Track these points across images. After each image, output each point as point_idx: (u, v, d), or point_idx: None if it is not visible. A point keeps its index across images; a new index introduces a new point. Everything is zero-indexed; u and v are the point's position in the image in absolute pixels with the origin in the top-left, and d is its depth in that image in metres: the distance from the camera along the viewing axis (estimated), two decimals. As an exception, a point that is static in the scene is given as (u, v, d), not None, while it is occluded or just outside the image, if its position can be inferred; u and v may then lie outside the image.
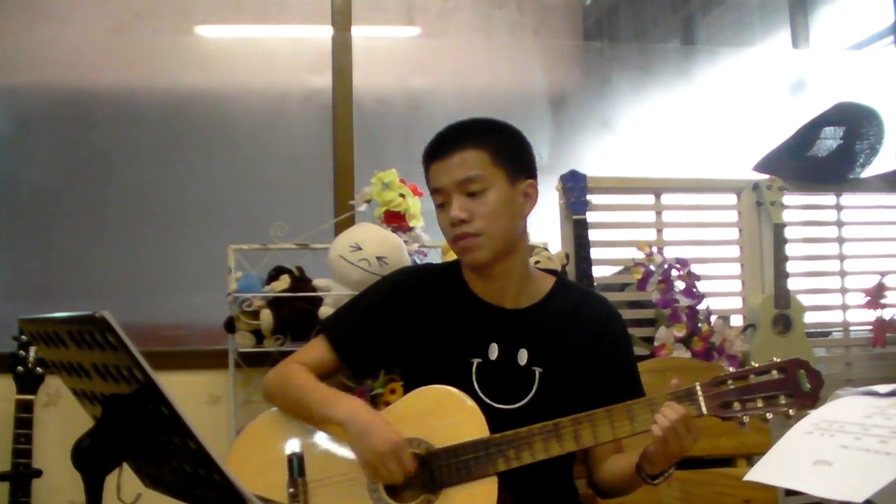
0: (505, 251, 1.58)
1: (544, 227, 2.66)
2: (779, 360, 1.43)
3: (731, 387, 1.42)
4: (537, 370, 1.58)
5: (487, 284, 1.62)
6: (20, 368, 2.27)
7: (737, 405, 1.41)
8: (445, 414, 1.51)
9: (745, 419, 1.41)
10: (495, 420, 1.49)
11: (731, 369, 1.48)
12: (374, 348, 1.67)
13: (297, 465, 1.49)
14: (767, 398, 1.41)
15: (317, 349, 1.68)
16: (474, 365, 1.58)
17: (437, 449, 1.49)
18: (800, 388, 1.40)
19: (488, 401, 1.55)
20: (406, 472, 1.45)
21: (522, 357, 1.59)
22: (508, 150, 1.59)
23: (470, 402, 1.50)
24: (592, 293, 1.74)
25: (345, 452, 1.53)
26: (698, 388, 1.43)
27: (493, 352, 1.59)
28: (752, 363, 1.45)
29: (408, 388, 1.63)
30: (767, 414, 1.40)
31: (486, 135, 1.59)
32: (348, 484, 1.51)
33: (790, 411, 1.40)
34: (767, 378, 1.42)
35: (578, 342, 1.60)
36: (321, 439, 1.56)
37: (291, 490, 1.48)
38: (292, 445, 1.54)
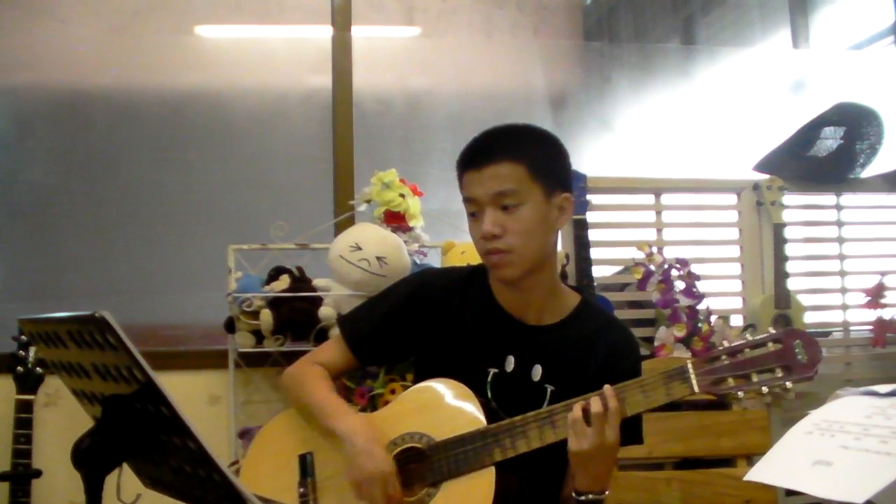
0: (535, 267, 1.54)
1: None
2: (774, 330, 1.40)
3: (725, 362, 1.38)
4: (549, 387, 1.57)
5: (513, 296, 1.61)
6: (20, 368, 2.27)
7: (731, 381, 1.37)
8: (444, 407, 1.52)
9: (740, 394, 1.38)
10: None
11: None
12: (390, 349, 1.69)
13: (307, 465, 1.51)
14: (762, 372, 1.37)
15: (333, 348, 1.70)
16: (490, 374, 1.58)
17: (436, 442, 1.49)
18: (796, 360, 1.36)
19: (500, 412, 1.55)
20: (390, 502, 1.45)
21: (536, 373, 1.58)
22: (547, 164, 1.53)
23: (467, 393, 1.51)
24: (614, 321, 1.70)
25: None
26: (689, 365, 1.39)
27: (510, 364, 1.59)
28: (748, 336, 1.41)
29: None
30: (763, 388, 1.36)
31: (525, 146, 1.52)
32: None
33: (787, 384, 1.36)
34: (763, 351, 1.37)
35: (591, 367, 1.58)
36: (331, 439, 1.57)
37: (301, 489, 1.50)
38: (303, 446, 1.56)
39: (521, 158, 1.50)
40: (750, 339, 1.40)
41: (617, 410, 1.38)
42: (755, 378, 1.37)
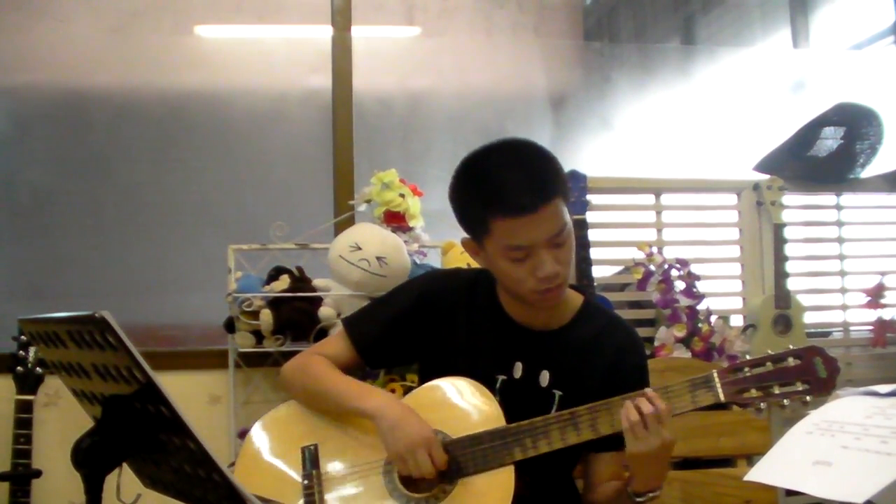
0: None
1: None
2: (795, 347, 1.45)
3: (748, 374, 1.44)
4: (557, 393, 1.58)
5: (522, 305, 1.60)
6: (20, 368, 2.27)
7: (754, 392, 1.43)
8: (460, 404, 1.52)
9: (763, 405, 1.43)
10: None
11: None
12: (396, 352, 1.68)
13: (310, 458, 1.50)
14: (784, 384, 1.43)
15: (338, 344, 1.68)
16: (499, 381, 1.58)
17: (454, 439, 1.49)
18: (816, 375, 1.42)
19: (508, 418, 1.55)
20: (438, 466, 1.45)
21: (544, 379, 1.58)
22: (567, 186, 1.53)
23: (486, 393, 1.51)
24: (617, 320, 1.71)
25: (360, 443, 1.54)
26: (715, 374, 1.44)
27: (518, 370, 1.59)
28: (768, 351, 1.46)
29: None
30: (784, 400, 1.42)
31: (559, 176, 1.50)
32: (363, 475, 1.52)
33: (807, 398, 1.42)
34: (784, 365, 1.44)
35: (598, 369, 1.59)
36: (336, 431, 1.56)
37: (305, 482, 1.49)
38: (306, 438, 1.55)
39: (559, 190, 1.48)
40: (771, 353, 1.46)
41: (668, 410, 1.40)
42: (777, 390, 1.43)
